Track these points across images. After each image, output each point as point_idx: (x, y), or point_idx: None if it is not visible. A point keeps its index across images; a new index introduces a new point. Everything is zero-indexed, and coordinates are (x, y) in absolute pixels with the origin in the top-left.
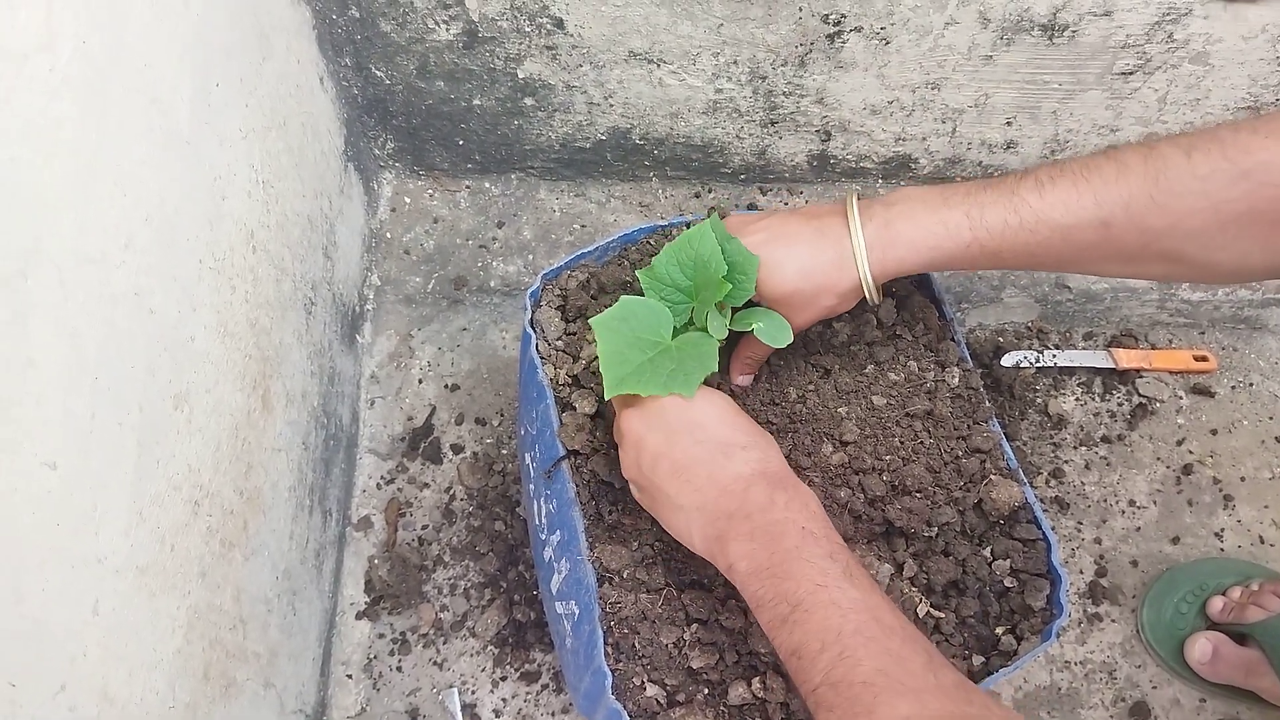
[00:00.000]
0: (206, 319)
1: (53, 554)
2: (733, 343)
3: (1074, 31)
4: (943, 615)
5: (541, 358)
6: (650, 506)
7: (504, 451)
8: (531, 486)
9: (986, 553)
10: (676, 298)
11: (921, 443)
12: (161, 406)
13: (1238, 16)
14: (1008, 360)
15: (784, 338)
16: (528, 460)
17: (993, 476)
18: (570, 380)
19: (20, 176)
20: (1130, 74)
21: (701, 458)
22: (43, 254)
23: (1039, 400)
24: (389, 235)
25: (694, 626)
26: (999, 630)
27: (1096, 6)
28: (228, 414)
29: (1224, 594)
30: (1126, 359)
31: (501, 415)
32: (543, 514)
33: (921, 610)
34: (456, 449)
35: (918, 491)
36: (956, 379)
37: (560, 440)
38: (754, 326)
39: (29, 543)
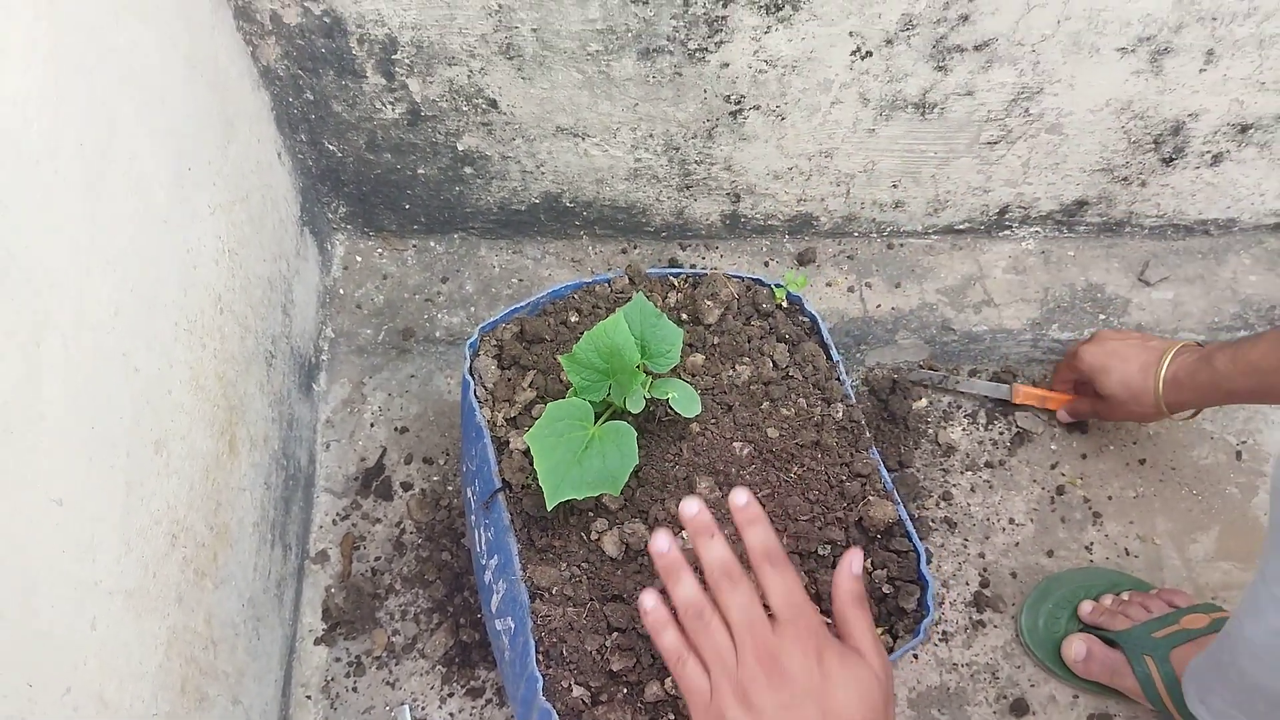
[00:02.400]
0: (181, 374)
1: (60, 577)
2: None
3: (942, 109)
4: (830, 620)
5: (479, 401)
6: None
7: (449, 488)
8: (473, 517)
9: (867, 563)
10: (595, 378)
11: (809, 469)
12: (144, 451)
13: (1083, 92)
14: (918, 377)
15: (693, 408)
16: (469, 494)
17: (871, 497)
18: (506, 421)
19: (34, 260)
20: (995, 143)
21: None
22: (52, 324)
23: (930, 431)
24: (342, 291)
25: (614, 634)
26: (879, 630)
27: (959, 88)
28: (200, 457)
29: (1095, 600)
30: (1023, 395)
31: (447, 455)
32: (482, 541)
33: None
34: (406, 486)
35: (804, 517)
36: (840, 413)
37: (497, 475)
38: (669, 396)
39: (41, 567)
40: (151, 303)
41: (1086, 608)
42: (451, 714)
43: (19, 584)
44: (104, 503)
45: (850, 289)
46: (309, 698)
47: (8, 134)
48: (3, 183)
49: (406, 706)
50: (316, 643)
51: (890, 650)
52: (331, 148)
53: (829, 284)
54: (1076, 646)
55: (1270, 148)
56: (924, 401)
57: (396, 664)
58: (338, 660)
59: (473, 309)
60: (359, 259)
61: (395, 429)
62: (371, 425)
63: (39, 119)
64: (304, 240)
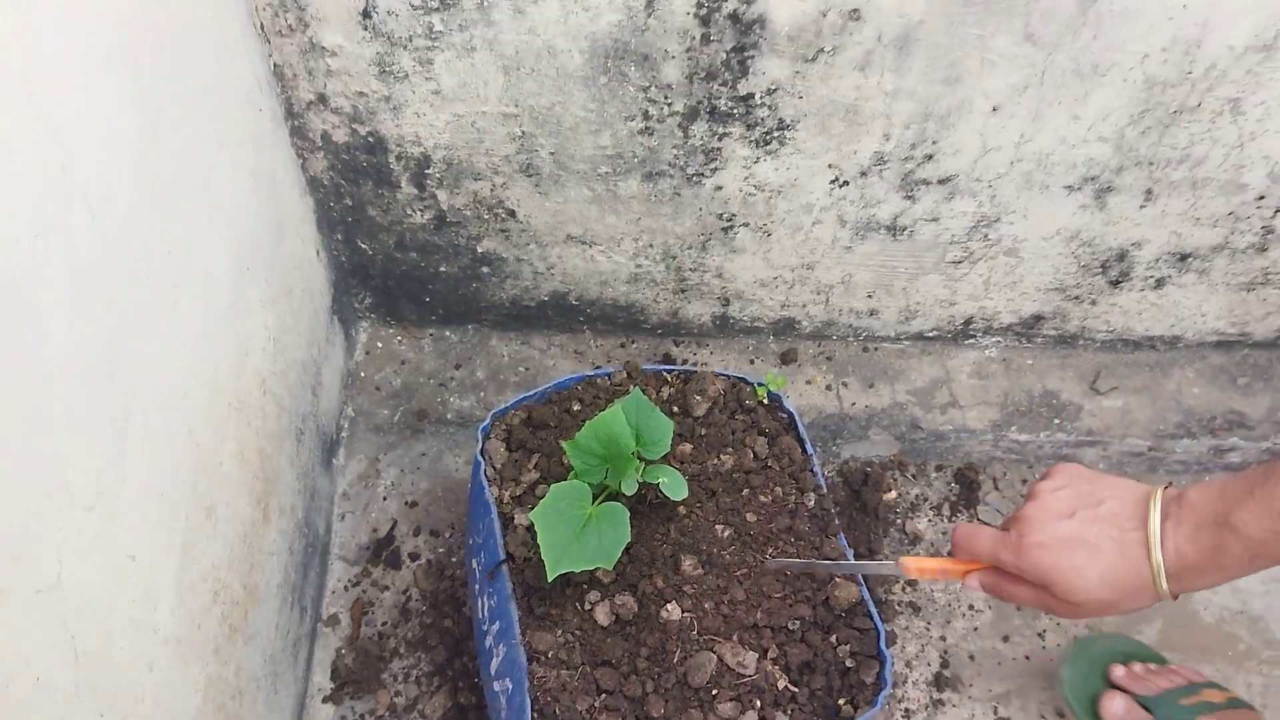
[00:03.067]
0: (230, 448)
1: (130, 623)
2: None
3: (911, 231)
4: (798, 689)
5: (489, 480)
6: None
7: (454, 559)
8: (476, 586)
9: (833, 639)
10: (594, 463)
11: (783, 551)
12: (198, 515)
13: (1036, 222)
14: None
15: (681, 492)
16: (474, 564)
17: (836, 579)
18: (512, 499)
19: (129, 347)
20: (959, 263)
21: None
22: (137, 404)
23: (899, 520)
24: (363, 374)
25: (603, 695)
26: (841, 701)
27: (926, 214)
28: (240, 523)
29: (1125, 665)
30: (914, 568)
31: (453, 528)
32: (485, 609)
33: (780, 684)
34: (413, 557)
35: (777, 595)
36: (813, 501)
37: (502, 548)
38: (660, 481)
39: (116, 613)
40: (212, 386)
41: (1119, 671)
42: None
43: (103, 628)
44: (164, 559)
45: (828, 387)
46: None
47: (114, 242)
48: (111, 282)
49: None
50: (325, 700)
51: (852, 717)
52: (364, 246)
53: (809, 382)
54: (1116, 704)
55: (1208, 274)
56: (893, 494)
57: None
58: (344, 718)
59: (482, 394)
60: (380, 345)
61: (406, 503)
62: (384, 499)
63: (139, 230)
64: (333, 328)
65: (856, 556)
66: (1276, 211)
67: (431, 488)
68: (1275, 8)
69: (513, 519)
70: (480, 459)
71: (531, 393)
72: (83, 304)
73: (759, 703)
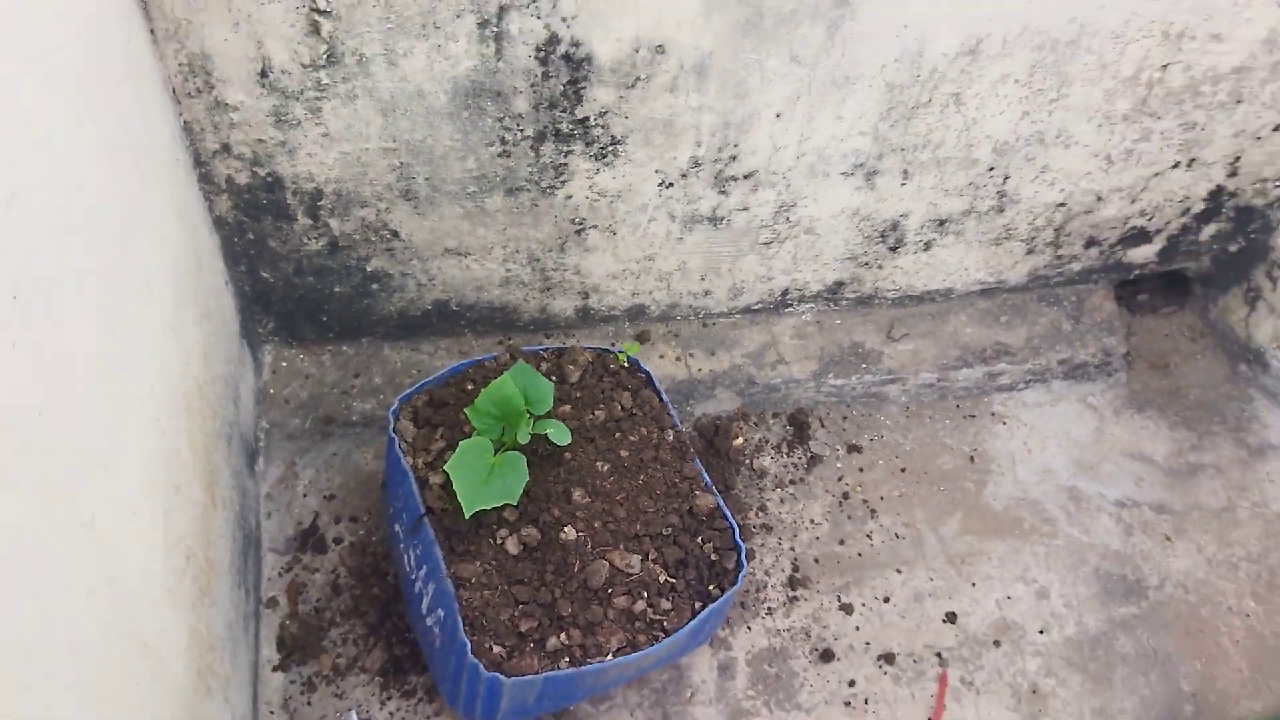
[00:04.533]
0: (185, 439)
1: (138, 566)
2: (546, 454)
3: (728, 220)
4: (675, 580)
5: (403, 452)
6: None
7: (374, 538)
8: (401, 544)
9: (699, 540)
10: (492, 423)
11: (652, 476)
12: (170, 490)
13: (825, 204)
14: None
15: (565, 438)
16: (396, 528)
17: (696, 493)
18: (424, 465)
19: (121, 354)
20: (770, 244)
21: None
22: (128, 402)
23: (747, 460)
24: (272, 391)
25: (520, 606)
26: (710, 586)
27: (738, 205)
28: (197, 505)
29: None
30: None
31: (369, 513)
32: (412, 560)
33: (662, 578)
34: (337, 541)
35: (651, 510)
36: (671, 438)
37: (421, 504)
38: (548, 431)
39: (129, 555)
40: (168, 384)
41: None
42: (391, 713)
43: (122, 561)
44: (155, 520)
45: (678, 358)
46: (273, 713)
47: (101, 260)
48: (106, 312)
49: (353, 711)
50: (274, 670)
51: (719, 597)
52: (266, 275)
53: (661, 356)
54: None
55: (963, 235)
56: (740, 440)
57: (342, 680)
58: (293, 682)
59: (381, 397)
60: (285, 364)
61: (324, 497)
62: (304, 495)
63: (118, 254)
64: (243, 350)
65: (718, 493)
66: (1006, 178)
67: (345, 481)
68: (973, 24)
69: (427, 480)
70: (394, 435)
71: (430, 378)
72: (91, 309)
73: (646, 594)
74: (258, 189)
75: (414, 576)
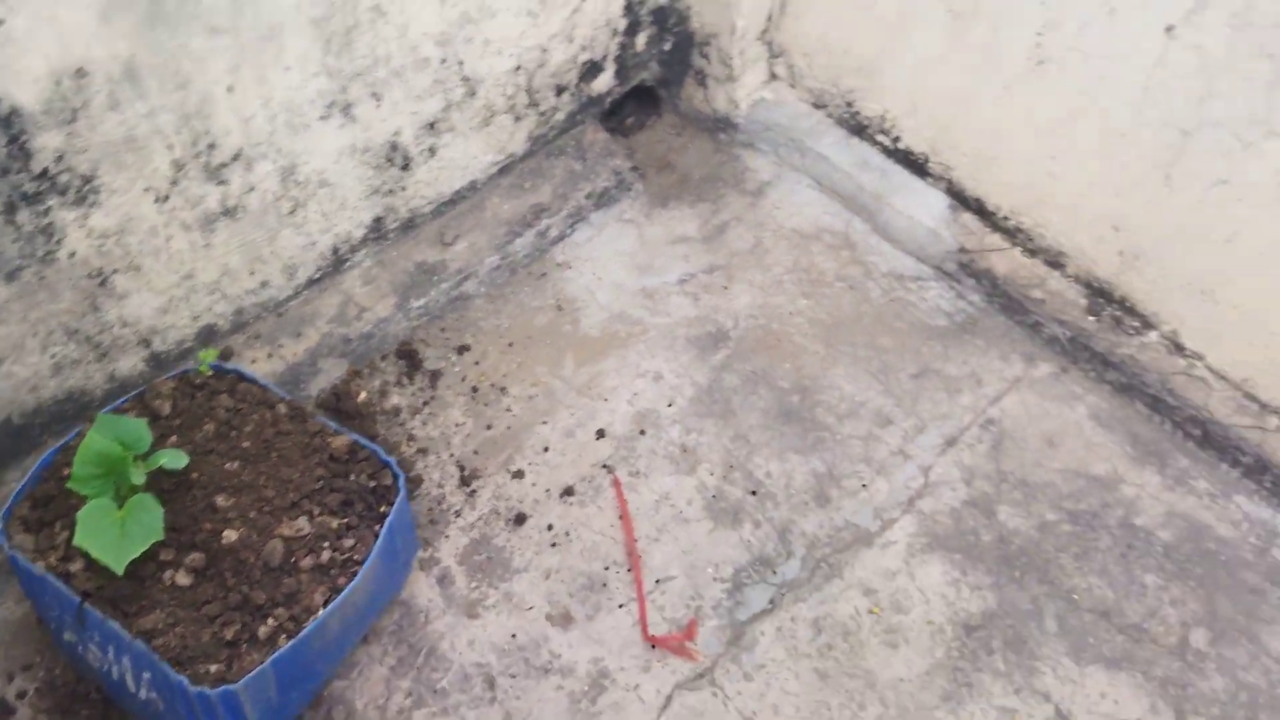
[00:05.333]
0: None
1: None
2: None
3: (243, 207)
4: (348, 519)
5: (31, 561)
6: None
7: (56, 671)
8: (80, 647)
9: (350, 476)
10: (100, 482)
11: (284, 448)
12: None
13: (316, 154)
14: None
15: (181, 461)
16: (66, 637)
17: (330, 440)
18: (58, 560)
19: None
20: (294, 211)
21: None
22: None
23: (378, 407)
24: None
25: (218, 619)
26: (381, 508)
27: (244, 188)
28: None
29: None
30: None
31: (39, 654)
32: (97, 652)
33: (334, 524)
34: (21, 695)
35: (296, 476)
36: (284, 409)
37: (73, 594)
38: (162, 463)
39: None
40: None
41: None
42: None
43: None
44: None
45: (269, 355)
46: None
47: None
48: None
49: None
50: None
51: (390, 509)
52: None
53: (253, 361)
54: None
55: (457, 129)
56: (364, 395)
57: None
58: None
59: None
60: None
61: None
62: None
63: None
64: None
65: (371, 442)
66: (461, 63)
67: None
68: None
69: (69, 571)
70: (13, 553)
71: (21, 484)
72: None
73: (326, 544)
74: None
75: (108, 665)
